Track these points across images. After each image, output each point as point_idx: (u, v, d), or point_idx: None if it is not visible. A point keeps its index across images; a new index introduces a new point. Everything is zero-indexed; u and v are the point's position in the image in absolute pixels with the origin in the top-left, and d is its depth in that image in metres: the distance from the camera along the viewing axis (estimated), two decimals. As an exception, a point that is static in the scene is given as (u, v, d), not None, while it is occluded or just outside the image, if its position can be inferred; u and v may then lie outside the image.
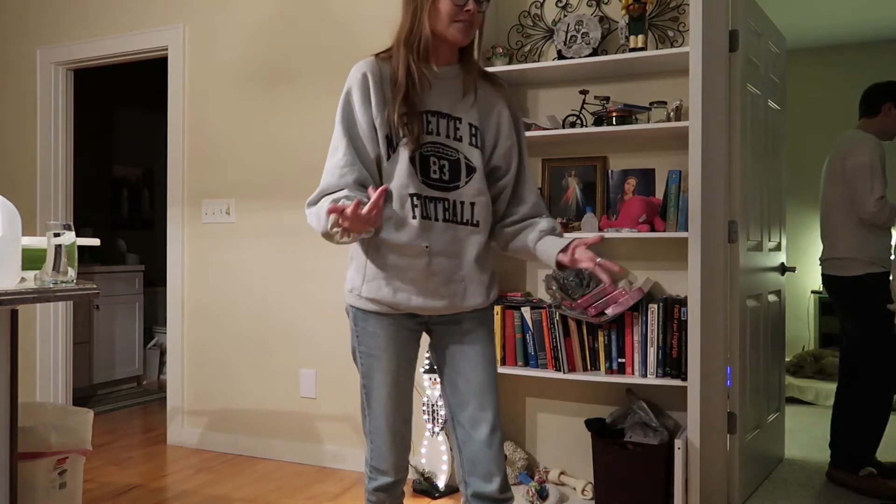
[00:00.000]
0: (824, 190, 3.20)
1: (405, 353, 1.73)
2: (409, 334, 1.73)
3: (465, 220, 1.68)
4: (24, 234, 1.83)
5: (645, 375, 2.64)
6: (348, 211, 1.45)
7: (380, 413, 1.71)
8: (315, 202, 1.65)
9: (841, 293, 3.14)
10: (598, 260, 1.56)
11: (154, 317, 5.64)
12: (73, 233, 1.80)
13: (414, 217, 1.62)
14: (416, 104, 1.64)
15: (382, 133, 1.64)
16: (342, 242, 1.61)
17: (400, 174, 1.62)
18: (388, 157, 1.64)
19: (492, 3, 3.00)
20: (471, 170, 1.68)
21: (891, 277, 2.81)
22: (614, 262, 2.86)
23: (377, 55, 1.70)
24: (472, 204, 1.68)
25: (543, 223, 1.73)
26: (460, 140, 1.68)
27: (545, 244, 1.68)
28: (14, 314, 1.99)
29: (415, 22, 1.64)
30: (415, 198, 1.62)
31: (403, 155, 1.63)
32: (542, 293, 2.98)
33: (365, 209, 1.47)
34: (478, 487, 1.67)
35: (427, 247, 1.63)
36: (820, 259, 3.23)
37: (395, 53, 1.67)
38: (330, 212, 1.48)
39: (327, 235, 1.59)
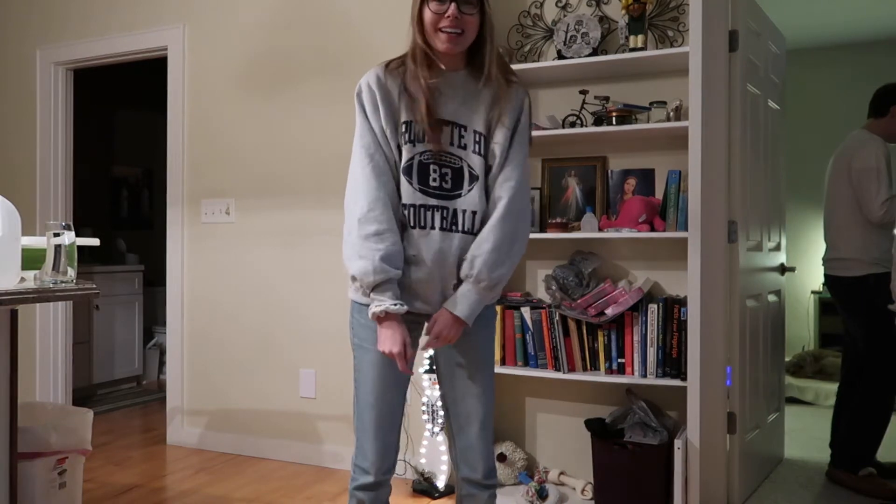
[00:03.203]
0: (828, 190, 3.20)
1: None
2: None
3: (465, 229, 1.69)
4: (24, 234, 1.83)
5: (645, 375, 2.64)
6: (394, 354, 1.64)
7: (365, 408, 1.72)
8: (357, 234, 1.64)
9: (844, 294, 3.14)
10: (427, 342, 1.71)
11: (154, 317, 5.64)
12: (72, 233, 1.80)
13: (412, 226, 1.66)
14: (421, 113, 1.65)
15: (394, 143, 1.67)
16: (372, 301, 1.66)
17: (399, 183, 1.68)
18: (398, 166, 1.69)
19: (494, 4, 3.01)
20: (473, 178, 1.69)
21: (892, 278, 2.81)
22: (614, 262, 2.88)
23: (387, 64, 1.71)
24: (474, 213, 1.69)
25: (466, 266, 1.68)
26: (465, 148, 1.69)
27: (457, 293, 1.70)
28: (14, 314, 1.99)
29: (413, 32, 1.67)
30: (407, 208, 1.66)
31: (402, 164, 1.67)
32: (541, 293, 2.98)
33: (399, 363, 1.65)
34: (466, 474, 1.79)
35: (414, 255, 1.66)
36: (823, 259, 3.23)
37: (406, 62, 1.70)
38: (382, 341, 1.64)
39: (360, 283, 1.67)
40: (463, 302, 1.67)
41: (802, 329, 5.85)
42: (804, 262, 5.64)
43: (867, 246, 3.04)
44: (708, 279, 2.64)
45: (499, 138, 1.71)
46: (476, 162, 1.69)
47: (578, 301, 2.71)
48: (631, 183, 2.85)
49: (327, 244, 3.41)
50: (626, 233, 2.66)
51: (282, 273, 3.52)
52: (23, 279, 1.81)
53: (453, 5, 1.60)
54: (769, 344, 3.19)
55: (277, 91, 3.53)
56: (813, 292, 5.79)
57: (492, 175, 1.71)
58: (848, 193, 3.08)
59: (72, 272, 1.78)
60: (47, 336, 4.11)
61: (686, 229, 2.58)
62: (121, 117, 6.01)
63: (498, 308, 2.83)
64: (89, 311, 4.83)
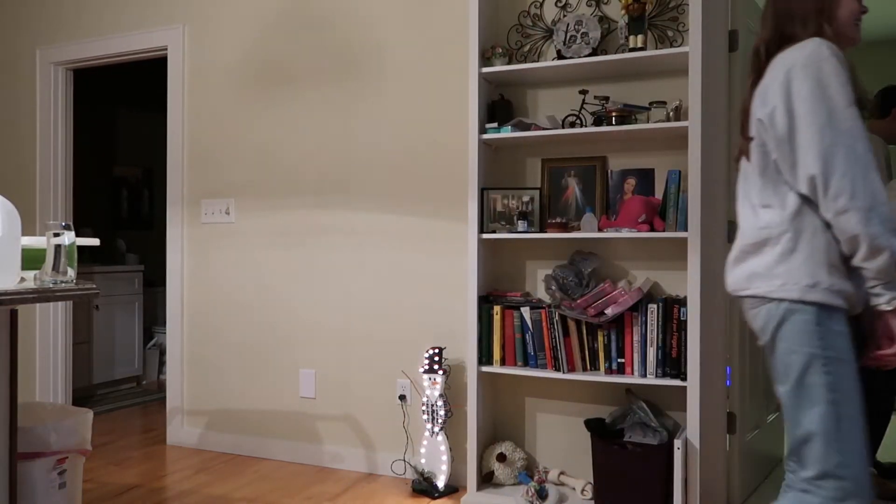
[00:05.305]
0: None
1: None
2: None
3: None
4: (24, 234, 1.84)
5: (644, 375, 2.64)
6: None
7: (856, 434, 1.50)
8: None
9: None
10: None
11: (154, 317, 5.64)
12: (72, 233, 1.80)
13: None
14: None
15: None
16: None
17: None
18: None
19: (494, 4, 3.03)
20: None
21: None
22: (614, 262, 2.88)
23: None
24: None
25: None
26: None
27: None
28: (14, 314, 1.99)
29: (828, 26, 1.61)
30: None
31: None
32: (541, 293, 2.98)
33: None
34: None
35: None
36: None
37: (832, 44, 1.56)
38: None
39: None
40: None
41: (802, 329, 5.84)
42: (804, 262, 5.62)
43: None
44: (708, 279, 2.64)
45: None
46: None
47: (578, 301, 2.71)
48: (631, 183, 2.85)
49: (327, 244, 3.41)
50: (625, 233, 2.66)
51: (281, 273, 3.52)
52: (23, 279, 1.81)
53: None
54: (769, 344, 3.19)
55: (277, 91, 3.53)
56: (813, 292, 5.78)
57: None
58: (848, 193, 3.08)
59: (72, 272, 1.79)
60: (47, 336, 4.11)
61: (686, 229, 2.58)
62: (121, 117, 6.02)
63: (497, 308, 2.83)
64: (89, 311, 4.83)
